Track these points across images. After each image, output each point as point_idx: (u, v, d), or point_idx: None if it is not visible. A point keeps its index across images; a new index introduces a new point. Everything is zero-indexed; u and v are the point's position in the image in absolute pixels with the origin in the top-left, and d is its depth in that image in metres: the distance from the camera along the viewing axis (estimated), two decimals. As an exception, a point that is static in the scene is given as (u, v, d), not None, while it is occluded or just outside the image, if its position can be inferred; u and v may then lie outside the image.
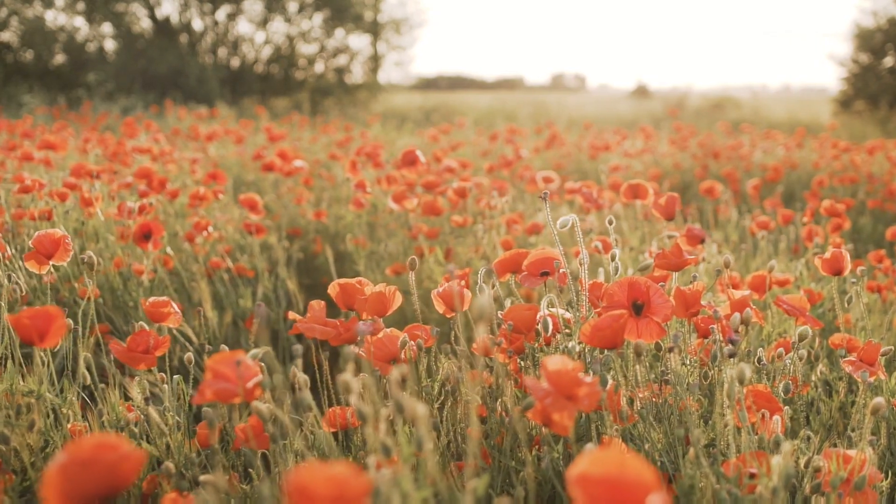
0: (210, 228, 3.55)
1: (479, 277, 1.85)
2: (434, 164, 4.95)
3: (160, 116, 12.46)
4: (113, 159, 5.87)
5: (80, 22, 20.42)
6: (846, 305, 2.26)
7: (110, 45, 20.13)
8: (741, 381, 1.30)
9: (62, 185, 3.62)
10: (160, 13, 20.54)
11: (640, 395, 1.60)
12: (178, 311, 1.71)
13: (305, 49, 22.09)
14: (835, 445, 1.90)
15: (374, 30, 22.46)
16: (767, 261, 3.76)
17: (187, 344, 2.72)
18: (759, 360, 1.81)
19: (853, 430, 1.67)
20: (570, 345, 1.62)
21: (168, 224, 3.89)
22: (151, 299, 1.70)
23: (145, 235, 2.99)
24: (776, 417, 1.48)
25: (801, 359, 1.94)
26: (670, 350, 1.47)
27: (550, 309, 1.72)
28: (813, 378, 2.23)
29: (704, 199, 5.81)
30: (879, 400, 1.36)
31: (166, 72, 18.71)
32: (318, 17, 21.84)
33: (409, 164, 3.21)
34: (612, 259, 1.88)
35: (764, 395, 1.61)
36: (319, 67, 22.36)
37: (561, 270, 1.90)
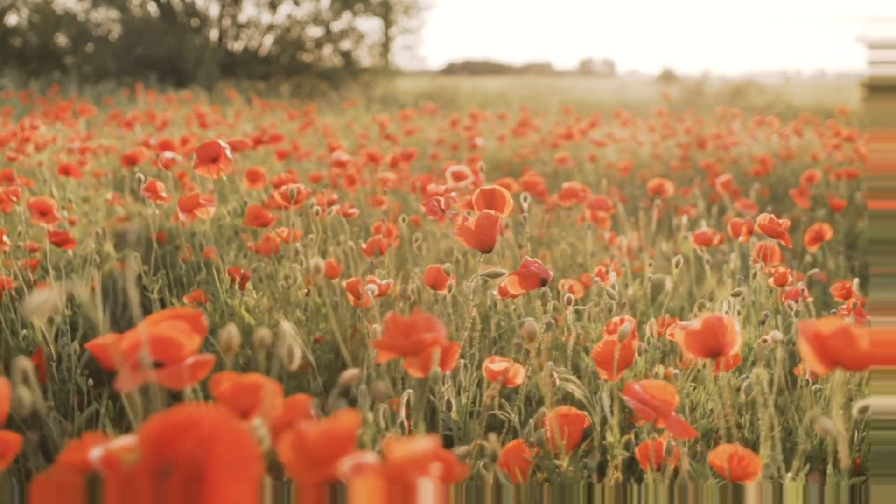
0: (5, 238, 2.75)
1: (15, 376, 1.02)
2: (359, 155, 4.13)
3: (131, 100, 11.72)
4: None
5: (86, 6, 19.75)
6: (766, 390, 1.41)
7: (114, 29, 19.53)
8: None
9: None
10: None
11: None
12: None
13: (312, 32, 21.33)
14: None
15: (384, 13, 21.63)
16: (715, 287, 2.90)
17: None
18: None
19: None
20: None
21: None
22: None
23: None
24: None
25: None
26: None
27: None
28: None
29: (680, 199, 4.92)
30: None
31: (165, 55, 18.05)
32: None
33: (208, 161, 2.38)
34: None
35: None
36: (327, 51, 21.62)
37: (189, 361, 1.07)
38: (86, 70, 17.64)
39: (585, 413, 1.52)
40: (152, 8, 19.87)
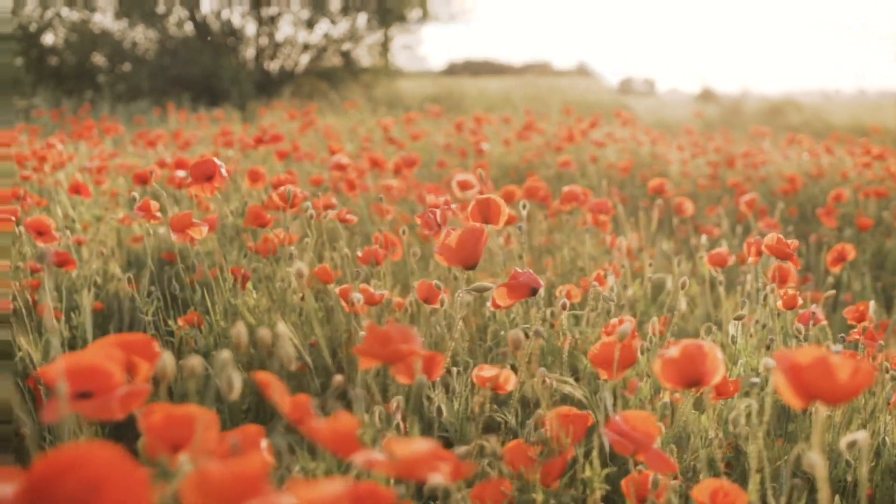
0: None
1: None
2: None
3: (163, 119, 11.78)
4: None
5: (122, 25, 19.91)
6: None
7: (151, 48, 19.65)
8: None
9: None
10: (199, 15, 19.99)
11: None
12: None
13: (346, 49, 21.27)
14: None
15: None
16: (730, 310, 2.80)
17: None
18: None
19: None
20: None
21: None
22: None
23: None
24: None
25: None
26: None
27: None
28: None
29: (705, 217, 4.80)
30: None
31: (200, 74, 18.15)
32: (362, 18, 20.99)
33: (203, 179, 2.33)
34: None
35: None
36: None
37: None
38: (119, 89, 17.78)
39: (588, 412, 1.45)
40: (188, 27, 19.98)
